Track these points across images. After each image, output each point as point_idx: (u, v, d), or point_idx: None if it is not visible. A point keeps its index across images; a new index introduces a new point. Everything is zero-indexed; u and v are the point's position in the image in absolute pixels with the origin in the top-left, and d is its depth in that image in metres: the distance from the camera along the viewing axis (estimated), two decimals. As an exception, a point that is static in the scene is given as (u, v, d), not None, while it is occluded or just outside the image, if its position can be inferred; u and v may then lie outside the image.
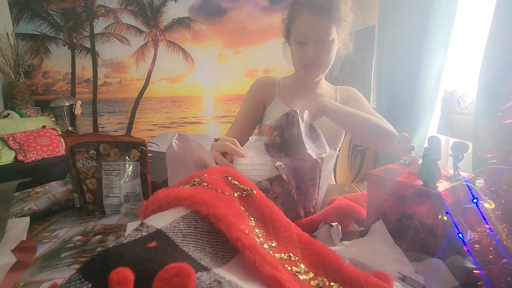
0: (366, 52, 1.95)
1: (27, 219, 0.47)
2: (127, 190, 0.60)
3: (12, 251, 0.39)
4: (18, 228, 0.44)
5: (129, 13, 2.86)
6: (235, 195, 0.30)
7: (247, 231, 0.22)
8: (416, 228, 0.42)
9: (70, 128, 2.81)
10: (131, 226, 0.52)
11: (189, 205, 0.23)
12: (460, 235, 0.37)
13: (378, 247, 0.42)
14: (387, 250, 0.41)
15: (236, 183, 0.32)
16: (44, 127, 2.42)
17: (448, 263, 0.37)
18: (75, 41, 2.88)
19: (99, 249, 0.17)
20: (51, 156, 2.29)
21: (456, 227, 0.37)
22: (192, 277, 0.14)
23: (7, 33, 2.66)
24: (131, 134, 3.15)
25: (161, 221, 0.21)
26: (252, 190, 0.31)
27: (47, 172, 2.10)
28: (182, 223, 0.21)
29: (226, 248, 0.22)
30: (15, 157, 2.17)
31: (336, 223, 0.47)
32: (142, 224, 0.20)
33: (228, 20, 2.88)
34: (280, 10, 2.84)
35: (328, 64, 0.87)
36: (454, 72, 1.27)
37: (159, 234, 0.19)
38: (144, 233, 0.19)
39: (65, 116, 2.80)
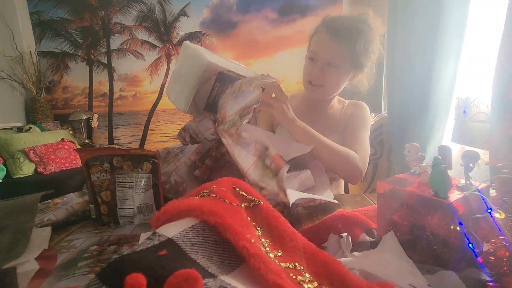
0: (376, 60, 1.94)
1: (48, 229, 0.50)
2: (140, 201, 0.62)
3: (36, 259, 0.41)
4: (41, 237, 0.46)
5: (143, 29, 2.97)
6: (242, 205, 0.30)
7: (253, 240, 0.23)
8: (428, 239, 0.41)
9: (87, 141, 2.91)
10: (144, 236, 0.53)
11: (198, 215, 0.24)
12: (470, 245, 0.36)
13: (389, 258, 0.42)
14: (398, 262, 0.41)
15: (244, 194, 0.33)
16: (62, 140, 2.52)
17: (462, 276, 0.37)
18: (92, 57, 3.01)
19: (115, 256, 0.18)
20: (69, 168, 2.37)
21: (467, 238, 0.36)
22: (199, 282, 0.15)
23: (30, 52, 2.82)
24: (145, 145, 3.21)
25: (171, 230, 0.22)
26: (259, 201, 0.32)
27: (65, 183, 2.17)
28: (191, 233, 0.22)
29: (233, 256, 0.22)
30: (35, 169, 2.26)
31: (346, 234, 0.47)
32: (154, 233, 0.21)
33: (238, 33, 2.94)
34: (288, 22, 2.88)
35: (334, 89, 0.86)
36: (468, 80, 1.25)
37: (169, 243, 0.21)
38: (156, 242, 0.20)
39: (82, 129, 2.91)
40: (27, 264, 0.38)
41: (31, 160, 2.25)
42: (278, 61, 2.97)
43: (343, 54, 0.79)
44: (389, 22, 1.39)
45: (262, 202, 0.32)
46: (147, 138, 3.15)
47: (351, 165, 0.76)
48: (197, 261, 0.20)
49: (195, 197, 0.29)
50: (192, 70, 0.70)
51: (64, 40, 2.98)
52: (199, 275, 0.16)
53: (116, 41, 2.99)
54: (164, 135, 3.15)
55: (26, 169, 2.22)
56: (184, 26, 2.96)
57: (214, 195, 0.29)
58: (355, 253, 0.44)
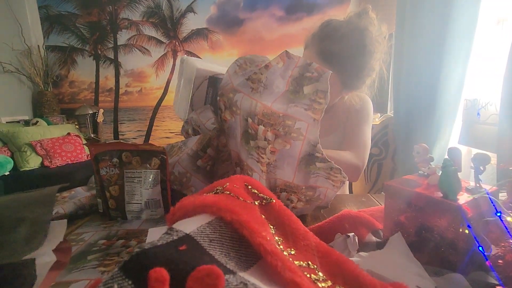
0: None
1: (64, 222, 0.50)
2: (148, 197, 0.62)
3: (53, 251, 0.42)
4: (57, 229, 0.47)
5: (150, 25, 2.98)
6: (256, 203, 0.31)
7: (268, 238, 0.23)
8: (436, 241, 0.41)
9: (92, 135, 2.93)
10: (152, 231, 0.54)
11: (214, 212, 0.24)
12: (480, 248, 0.36)
13: (396, 259, 0.42)
14: (405, 263, 0.41)
15: (256, 191, 0.33)
16: (68, 134, 2.55)
17: (470, 279, 0.36)
18: (99, 52, 3.03)
19: (136, 250, 0.18)
20: (74, 162, 2.39)
21: (477, 241, 0.36)
22: (222, 277, 0.16)
23: (38, 46, 2.85)
24: (150, 141, 3.23)
25: (189, 226, 0.22)
26: (271, 199, 0.32)
27: (71, 177, 2.19)
28: (208, 229, 0.23)
29: (249, 253, 0.23)
30: (42, 163, 2.29)
31: (353, 234, 0.47)
32: (171, 229, 0.22)
33: (245, 30, 2.94)
34: (295, 20, 2.87)
35: None
36: (476, 81, 1.23)
37: (188, 238, 0.21)
38: (175, 237, 0.21)
39: (88, 124, 2.94)
40: (46, 256, 0.39)
41: (37, 154, 2.28)
42: (284, 59, 2.96)
43: (331, 79, 0.76)
44: (397, 21, 1.38)
45: (274, 200, 0.32)
46: (151, 134, 3.17)
47: (345, 165, 0.75)
48: (216, 257, 0.21)
49: (209, 194, 0.29)
50: (185, 79, 0.74)
51: (71, 34, 3.01)
52: (221, 271, 0.16)
53: (123, 37, 3.01)
54: (169, 131, 3.17)
55: (33, 162, 2.25)
56: (191, 23, 2.96)
57: (228, 192, 0.30)
58: (362, 253, 0.44)
